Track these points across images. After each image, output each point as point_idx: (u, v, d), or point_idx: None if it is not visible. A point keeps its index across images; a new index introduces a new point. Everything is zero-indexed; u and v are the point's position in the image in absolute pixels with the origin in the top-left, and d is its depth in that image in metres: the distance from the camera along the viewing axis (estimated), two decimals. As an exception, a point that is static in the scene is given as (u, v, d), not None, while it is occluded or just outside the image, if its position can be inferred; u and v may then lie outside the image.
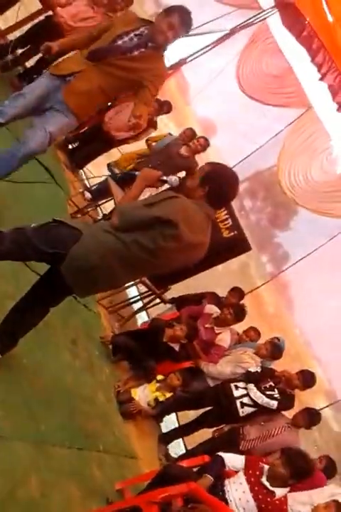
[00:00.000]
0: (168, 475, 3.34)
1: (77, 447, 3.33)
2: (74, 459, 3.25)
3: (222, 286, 6.50)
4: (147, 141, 7.05)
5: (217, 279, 7.11)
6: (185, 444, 5.52)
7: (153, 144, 6.97)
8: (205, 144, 6.60)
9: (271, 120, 7.61)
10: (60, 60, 4.01)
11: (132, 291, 6.08)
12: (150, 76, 3.69)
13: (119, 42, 3.63)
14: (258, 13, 7.21)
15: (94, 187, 7.20)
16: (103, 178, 6.94)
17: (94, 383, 4.23)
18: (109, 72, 3.63)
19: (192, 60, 7.74)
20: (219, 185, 2.79)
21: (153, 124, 6.98)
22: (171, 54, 7.43)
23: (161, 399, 4.75)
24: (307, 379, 5.10)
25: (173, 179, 3.11)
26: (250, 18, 7.28)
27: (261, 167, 8.49)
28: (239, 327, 5.90)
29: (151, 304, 6.09)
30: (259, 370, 5.15)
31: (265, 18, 7.22)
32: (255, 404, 4.90)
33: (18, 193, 4.39)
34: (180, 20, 3.47)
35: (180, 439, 5.45)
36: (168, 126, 7.84)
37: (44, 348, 3.60)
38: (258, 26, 7.39)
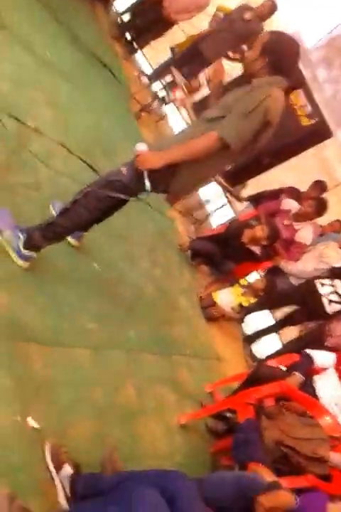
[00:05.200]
0: (258, 375, 3.55)
1: (166, 353, 3.61)
2: (164, 364, 3.54)
3: (300, 183, 6.36)
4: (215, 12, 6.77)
5: (293, 176, 6.95)
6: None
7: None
8: (272, 7, 6.27)
9: None
10: None
11: (205, 193, 6.10)
12: None
13: None
14: None
15: (153, 73, 7.14)
16: (161, 64, 6.89)
17: (176, 289, 4.47)
18: None
19: None
20: (280, 55, 2.74)
21: None
22: None
23: (245, 304, 4.93)
24: None
25: None
26: None
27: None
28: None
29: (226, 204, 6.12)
30: None
31: None
32: None
33: (78, 91, 4.51)
34: None
35: (266, 338, 5.64)
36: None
37: (124, 260, 3.82)
38: None
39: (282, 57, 2.76)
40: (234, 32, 6.23)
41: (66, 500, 2.05)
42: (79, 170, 3.84)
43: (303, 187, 5.98)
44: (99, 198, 2.65)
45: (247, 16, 6.26)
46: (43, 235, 2.63)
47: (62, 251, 3.00)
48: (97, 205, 2.67)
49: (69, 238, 3.13)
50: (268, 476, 2.59)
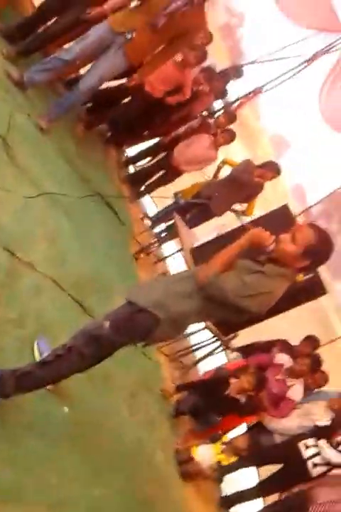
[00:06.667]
0: None
1: (130, 517, 3.38)
2: (130, 527, 3.30)
3: (293, 332, 6.36)
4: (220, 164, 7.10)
5: (287, 325, 6.94)
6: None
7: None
8: (276, 174, 6.60)
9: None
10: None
11: (194, 339, 6.05)
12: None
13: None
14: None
15: (155, 215, 7.41)
16: (164, 207, 7.22)
17: (153, 442, 4.28)
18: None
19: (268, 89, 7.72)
20: (321, 259, 2.75)
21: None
22: (245, 81, 7.51)
23: (224, 463, 4.71)
24: None
25: None
26: (336, 41, 7.14)
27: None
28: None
29: (216, 351, 6.05)
30: (329, 423, 5.00)
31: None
32: (328, 462, 4.75)
33: (80, 229, 4.62)
34: None
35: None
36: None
37: (101, 405, 3.68)
38: (342, 52, 7.22)
39: (320, 261, 2.77)
40: (240, 186, 6.53)
41: None
42: (67, 307, 3.85)
43: (297, 336, 5.99)
44: (82, 354, 2.59)
45: (256, 173, 6.53)
46: (17, 385, 2.52)
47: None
48: (79, 361, 2.62)
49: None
50: None
